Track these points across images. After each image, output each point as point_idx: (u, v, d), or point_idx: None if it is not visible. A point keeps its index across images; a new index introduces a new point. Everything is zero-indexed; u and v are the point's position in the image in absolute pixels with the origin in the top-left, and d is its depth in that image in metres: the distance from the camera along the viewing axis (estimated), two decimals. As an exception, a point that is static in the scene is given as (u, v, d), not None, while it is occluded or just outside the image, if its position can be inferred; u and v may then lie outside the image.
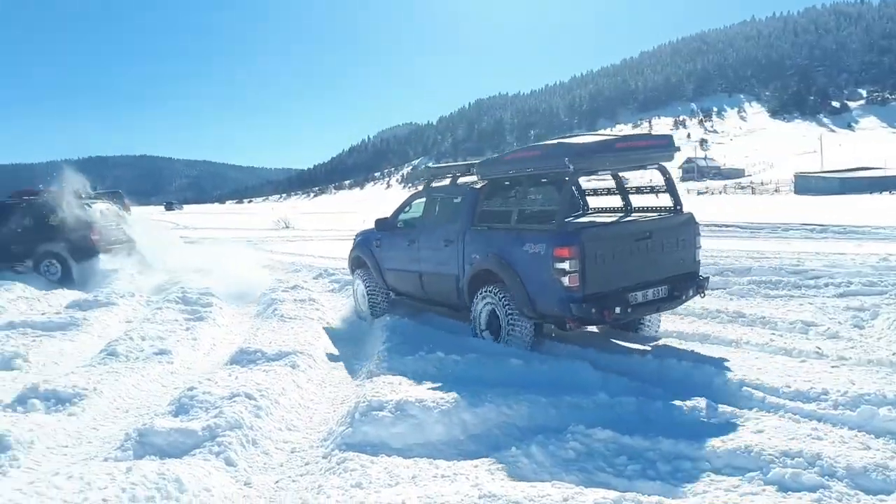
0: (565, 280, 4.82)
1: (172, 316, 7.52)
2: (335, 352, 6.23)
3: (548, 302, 5.08)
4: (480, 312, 5.74)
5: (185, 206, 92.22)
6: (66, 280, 11.59)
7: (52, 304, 8.72)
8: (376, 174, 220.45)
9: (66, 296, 9.44)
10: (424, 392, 4.19)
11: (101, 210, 12.59)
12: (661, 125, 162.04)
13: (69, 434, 4.03)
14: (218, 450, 3.65)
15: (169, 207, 78.76)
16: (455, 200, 6.30)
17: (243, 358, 5.45)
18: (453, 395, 4.08)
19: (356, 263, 7.81)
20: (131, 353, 5.76)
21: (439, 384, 4.36)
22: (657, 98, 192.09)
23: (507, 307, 5.36)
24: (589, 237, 4.96)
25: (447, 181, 6.80)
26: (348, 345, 6.45)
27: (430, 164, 7.50)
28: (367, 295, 7.46)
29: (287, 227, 28.42)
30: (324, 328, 7.04)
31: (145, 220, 16.92)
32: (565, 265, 4.81)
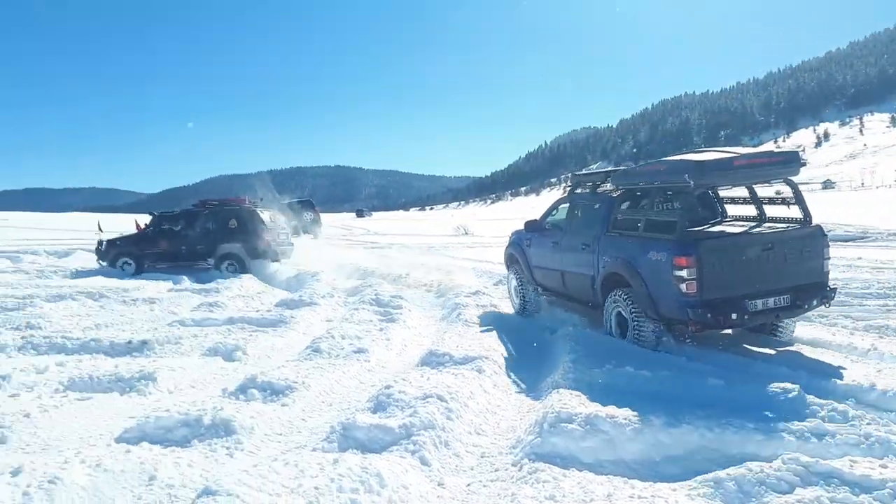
0: (683, 286, 5.28)
1: (367, 317, 8.00)
2: (518, 359, 6.25)
3: (668, 305, 5.53)
4: (611, 314, 6.22)
5: (373, 213, 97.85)
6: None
7: (263, 303, 9.65)
8: (552, 180, 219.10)
9: (275, 295, 10.43)
10: (615, 408, 4.06)
11: (272, 217, 14.69)
12: (875, 122, 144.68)
13: (283, 423, 4.41)
14: (413, 448, 3.80)
15: (360, 214, 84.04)
16: (594, 207, 6.88)
17: (433, 360, 5.66)
18: (647, 413, 3.91)
19: (510, 260, 8.70)
20: (333, 351, 6.20)
21: (631, 400, 4.20)
22: (870, 92, 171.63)
23: (632, 309, 5.83)
24: (706, 248, 5.34)
25: (589, 188, 7.38)
26: (531, 352, 6.44)
27: (575, 172, 8.12)
28: (520, 289, 8.22)
29: (466, 233, 29.13)
30: (505, 334, 7.11)
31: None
32: (683, 273, 5.27)
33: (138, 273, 13.70)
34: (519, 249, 8.37)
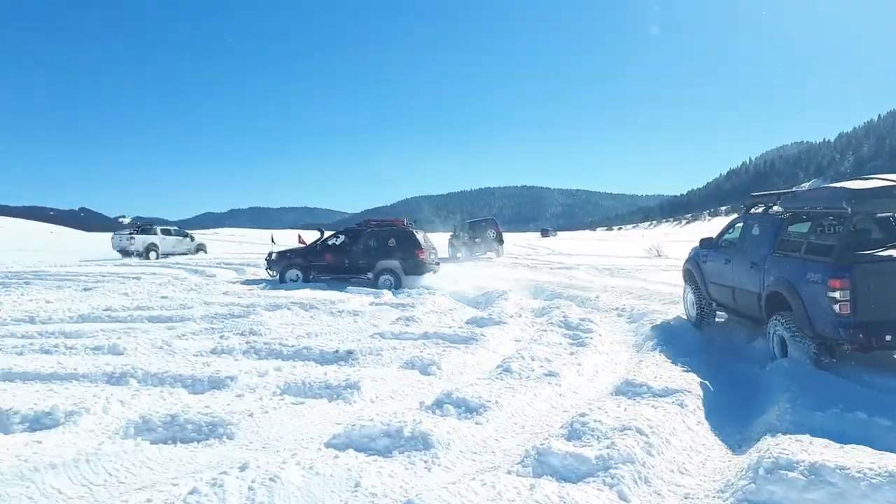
0: (836, 307, 5.50)
1: (556, 339, 7.90)
2: (724, 394, 5.77)
3: (823, 325, 5.73)
4: (773, 332, 6.51)
5: (558, 233, 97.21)
6: (397, 289, 14.66)
7: (455, 319, 9.91)
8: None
9: (465, 312, 10.68)
10: (845, 457, 3.58)
11: (425, 238, 16.22)
12: None
13: (477, 441, 4.45)
14: (611, 482, 3.64)
15: (544, 234, 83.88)
16: (764, 227, 7.24)
17: (629, 390, 5.42)
18: (889, 467, 3.40)
19: (687, 276, 9.13)
20: (523, 372, 6.18)
21: (865, 451, 3.69)
22: None
23: (791, 327, 6.10)
24: (861, 271, 5.50)
25: (762, 209, 7.78)
26: (737, 388, 5.92)
27: (753, 193, 8.31)
28: (696, 303, 8.67)
29: (659, 254, 27.81)
30: (707, 366, 6.62)
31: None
32: (836, 294, 5.49)
33: (305, 283, 15.50)
34: (695, 265, 8.85)
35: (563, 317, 9.19)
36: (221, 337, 8.08)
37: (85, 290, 13.85)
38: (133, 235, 26.82)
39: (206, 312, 9.99)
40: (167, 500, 3.26)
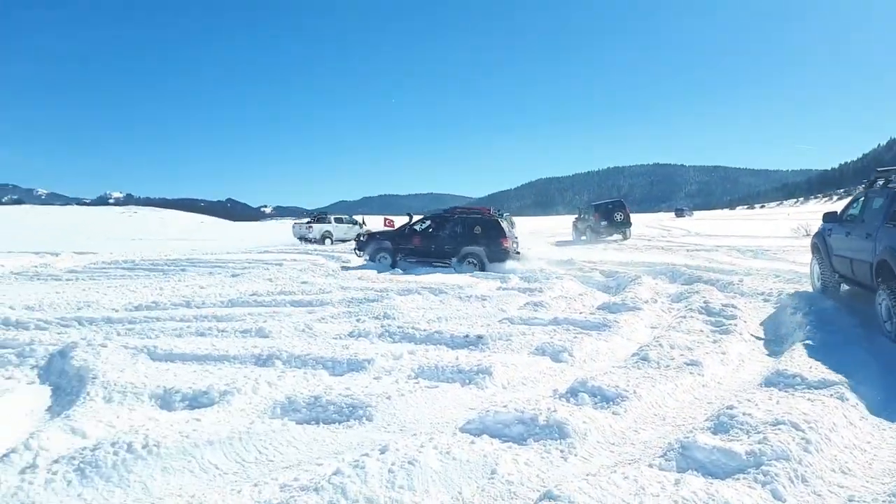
0: None
1: (697, 326, 7.50)
2: (888, 385, 5.23)
3: None
4: (881, 300, 6.80)
5: (694, 213, 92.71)
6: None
7: (585, 305, 9.67)
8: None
9: (596, 297, 10.41)
10: None
11: (507, 227, 16.91)
12: None
13: (614, 432, 4.29)
14: (764, 479, 3.38)
15: (679, 214, 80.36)
16: (881, 200, 7.46)
17: (780, 380, 5.04)
18: None
19: (814, 248, 9.73)
20: (662, 360, 5.91)
21: None
22: None
23: (892, 295, 6.44)
24: None
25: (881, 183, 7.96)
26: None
27: (878, 168, 8.51)
28: (820, 275, 9.35)
29: (808, 234, 25.74)
30: (872, 355, 6.01)
31: None
32: None
33: (392, 266, 16.33)
34: (821, 238, 9.34)
35: (704, 302, 8.71)
36: (358, 320, 8.38)
37: (233, 276, 14.87)
38: (311, 224, 30.90)
39: (343, 297, 10.40)
40: (312, 480, 3.40)
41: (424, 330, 7.45)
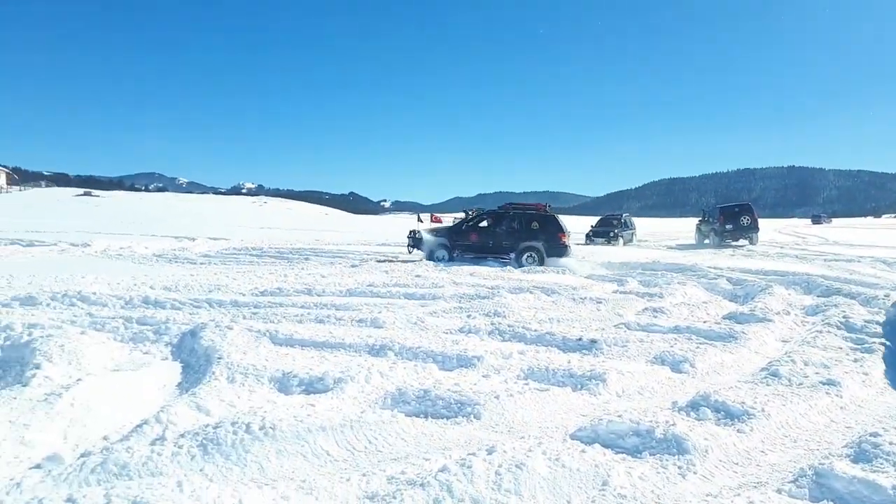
0: None
1: (835, 342, 6.89)
2: None
3: None
4: None
5: (833, 220, 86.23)
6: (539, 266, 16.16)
7: (709, 314, 9.14)
8: None
9: (722, 306, 9.82)
10: None
11: (563, 223, 17.13)
12: None
13: (739, 452, 3.99)
14: (917, 521, 3.02)
15: (816, 220, 75.02)
16: None
17: (935, 409, 4.51)
18: None
19: None
20: (794, 378, 5.45)
21: None
22: None
23: None
24: None
25: None
26: None
27: None
28: None
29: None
30: None
31: None
32: None
33: (449, 261, 16.81)
34: None
35: (844, 317, 7.99)
36: (468, 316, 8.36)
37: (352, 266, 15.36)
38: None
39: (454, 292, 10.44)
40: (419, 475, 3.39)
41: (535, 330, 7.31)
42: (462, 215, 20.47)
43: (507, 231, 17.00)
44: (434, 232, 17.95)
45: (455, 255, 17.23)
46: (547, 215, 17.13)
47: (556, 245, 16.65)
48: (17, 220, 35.33)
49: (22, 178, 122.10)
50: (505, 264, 16.19)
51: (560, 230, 16.79)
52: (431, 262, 16.43)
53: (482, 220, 17.77)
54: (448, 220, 22.34)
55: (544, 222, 16.90)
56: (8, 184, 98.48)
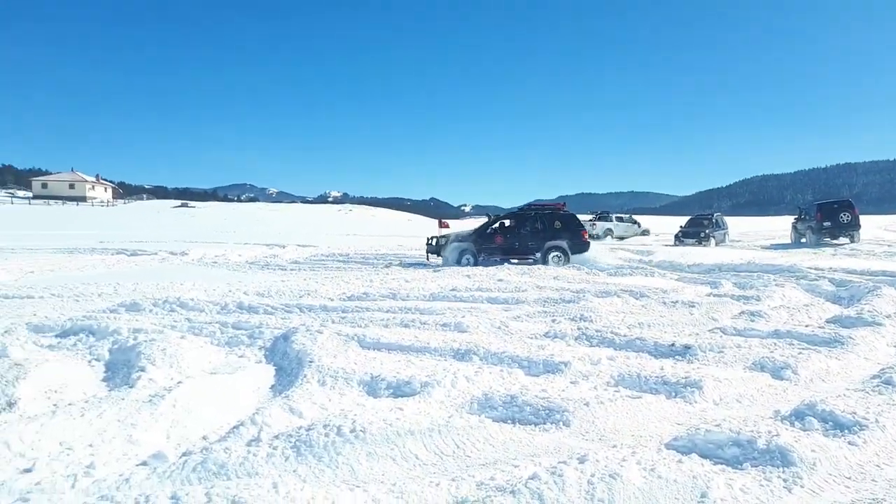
0: None
1: (957, 348, 6.36)
2: None
3: None
4: None
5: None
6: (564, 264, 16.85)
7: (811, 317, 8.63)
8: None
9: (825, 309, 9.26)
10: None
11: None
12: None
13: (850, 465, 3.72)
14: None
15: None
16: None
17: None
18: None
19: None
20: (911, 386, 5.06)
21: None
22: None
23: None
24: None
25: None
26: None
27: None
28: None
29: None
30: None
31: None
32: None
33: (475, 264, 17.04)
34: None
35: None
36: (554, 321, 8.24)
37: (434, 271, 15.46)
38: (595, 222, 34.43)
39: (538, 296, 10.32)
40: (509, 481, 3.35)
41: (625, 335, 7.11)
42: (484, 220, 20.67)
43: (532, 231, 17.52)
44: (458, 237, 18.20)
45: (481, 258, 17.58)
46: (568, 214, 17.87)
47: (579, 242, 17.42)
48: (122, 232, 37.69)
49: (126, 191, 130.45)
50: (533, 264, 16.66)
51: (581, 227, 17.72)
52: (458, 267, 16.66)
53: (506, 223, 18.11)
54: (455, 226, 23.02)
55: (566, 221, 17.58)
56: (114, 197, 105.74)
